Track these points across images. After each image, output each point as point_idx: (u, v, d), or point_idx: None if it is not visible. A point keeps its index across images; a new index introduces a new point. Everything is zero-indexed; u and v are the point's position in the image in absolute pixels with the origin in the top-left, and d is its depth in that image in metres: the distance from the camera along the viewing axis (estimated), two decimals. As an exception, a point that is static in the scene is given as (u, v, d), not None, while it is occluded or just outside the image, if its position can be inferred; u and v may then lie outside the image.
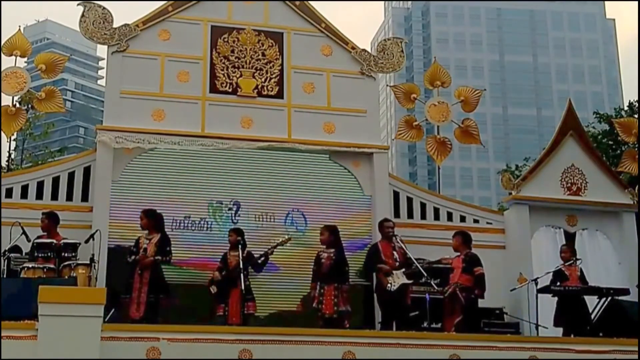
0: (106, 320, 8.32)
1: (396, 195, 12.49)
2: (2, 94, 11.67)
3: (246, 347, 8.26)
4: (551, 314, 10.72)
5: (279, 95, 12.28)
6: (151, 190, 11.57)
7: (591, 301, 10.74)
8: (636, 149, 13.79)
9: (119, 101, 11.75)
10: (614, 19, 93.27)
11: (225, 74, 12.18)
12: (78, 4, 12.02)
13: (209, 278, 10.56)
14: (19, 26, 12.48)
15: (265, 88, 12.26)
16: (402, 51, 12.95)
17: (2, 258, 9.48)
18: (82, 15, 11.93)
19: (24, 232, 9.65)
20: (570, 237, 12.56)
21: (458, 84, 17.26)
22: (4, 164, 21.45)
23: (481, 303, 10.51)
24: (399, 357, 8.60)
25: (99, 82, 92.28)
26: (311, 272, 10.50)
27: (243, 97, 12.13)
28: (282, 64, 12.40)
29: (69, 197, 11.51)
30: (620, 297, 10.63)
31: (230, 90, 12.14)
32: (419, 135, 13.09)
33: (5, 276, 9.40)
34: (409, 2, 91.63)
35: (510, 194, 12.76)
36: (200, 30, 12.29)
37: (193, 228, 11.62)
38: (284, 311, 11.36)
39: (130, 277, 9.91)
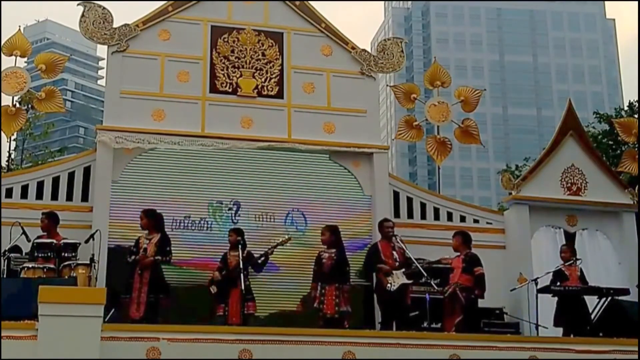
0: (106, 320, 8.32)
1: (396, 195, 12.49)
2: (2, 94, 11.69)
3: (246, 347, 8.27)
4: (551, 314, 10.72)
5: (279, 95, 12.28)
6: (151, 190, 11.57)
7: (591, 301, 10.74)
8: (636, 149, 13.79)
9: (119, 101, 11.75)
10: (614, 19, 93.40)
11: (225, 74, 12.18)
12: (78, 4, 12.02)
13: (209, 278, 10.56)
14: (19, 26, 12.50)
15: (265, 88, 12.26)
16: (402, 51, 12.96)
17: (2, 258, 9.48)
18: (82, 15, 11.94)
19: (24, 232, 9.64)
20: (570, 237, 12.56)
21: (458, 84, 17.27)
22: (4, 164, 21.48)
23: (481, 303, 10.51)
24: (399, 357, 8.60)
25: (99, 82, 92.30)
26: (311, 272, 10.51)
27: (243, 97, 12.14)
28: (282, 64, 12.41)
29: (69, 197, 11.51)
30: (620, 297, 10.63)
31: (230, 90, 12.14)
32: (419, 135, 13.10)
33: (5, 276, 9.40)
34: (409, 2, 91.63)
35: (510, 194, 12.76)
36: (200, 30, 12.30)
37: (193, 228, 11.62)
38: (284, 311, 11.36)
39: (130, 277, 9.91)
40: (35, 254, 9.47)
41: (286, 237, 10.65)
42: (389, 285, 10.07)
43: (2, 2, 16.41)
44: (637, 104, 24.91)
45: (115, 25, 12.00)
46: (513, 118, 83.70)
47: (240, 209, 11.81)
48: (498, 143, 79.71)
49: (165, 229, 10.43)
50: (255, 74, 12.27)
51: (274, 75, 12.34)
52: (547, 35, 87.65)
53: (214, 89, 12.08)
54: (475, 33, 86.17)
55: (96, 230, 9.70)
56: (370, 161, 12.33)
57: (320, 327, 9.70)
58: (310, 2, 12.79)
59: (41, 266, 9.20)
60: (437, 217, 12.61)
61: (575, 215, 12.78)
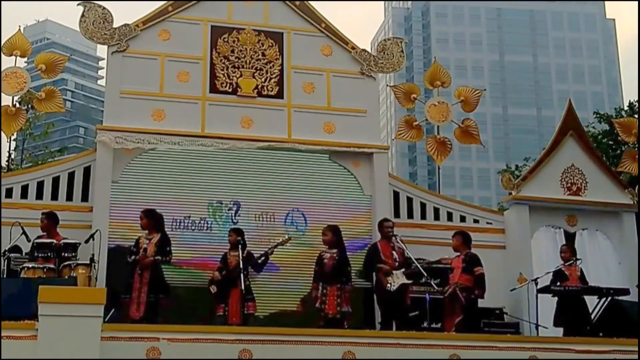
0: (106, 320, 8.33)
1: (396, 195, 12.48)
2: (2, 94, 11.68)
3: (246, 347, 8.27)
4: (551, 314, 10.72)
5: (279, 95, 12.28)
6: (151, 190, 11.56)
7: (591, 301, 10.74)
8: (636, 149, 13.79)
9: (119, 101, 11.75)
10: (614, 19, 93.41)
11: (225, 74, 12.18)
12: (78, 4, 12.01)
13: (209, 278, 10.57)
14: (19, 26, 12.49)
15: (265, 88, 12.25)
16: (402, 51, 12.95)
17: (2, 258, 9.48)
18: (82, 15, 11.93)
19: (24, 232, 9.64)
20: (570, 237, 12.56)
21: (458, 84, 17.26)
22: (4, 164, 21.48)
23: (481, 303, 10.51)
24: (399, 357, 8.60)
25: (99, 82, 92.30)
26: (311, 272, 10.52)
27: (243, 97, 12.13)
28: (282, 64, 12.40)
29: (69, 197, 11.50)
30: (620, 297, 10.63)
31: (230, 90, 12.14)
32: (419, 135, 13.09)
33: (5, 276, 9.40)
34: (409, 2, 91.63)
35: (510, 194, 12.76)
36: (200, 30, 12.29)
37: (193, 228, 11.61)
38: (284, 311, 11.35)
39: (130, 277, 9.91)
40: (35, 254, 9.48)
41: (286, 237, 10.66)
42: (388, 285, 10.08)
43: (2, 2, 16.42)
44: (637, 104, 24.91)
45: (115, 25, 11.99)
46: (513, 118, 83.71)
47: (240, 209, 11.81)
48: (498, 143, 79.73)
49: (165, 229, 10.44)
50: (255, 74, 12.27)
51: (274, 75, 12.34)
52: (547, 35, 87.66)
53: (214, 89, 12.08)
54: (475, 33, 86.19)
55: (96, 230, 9.71)
56: (370, 161, 12.33)
57: (321, 327, 9.69)
58: (310, 2, 12.79)
59: (41, 266, 9.20)
60: (437, 217, 12.60)
61: (575, 215, 12.78)
